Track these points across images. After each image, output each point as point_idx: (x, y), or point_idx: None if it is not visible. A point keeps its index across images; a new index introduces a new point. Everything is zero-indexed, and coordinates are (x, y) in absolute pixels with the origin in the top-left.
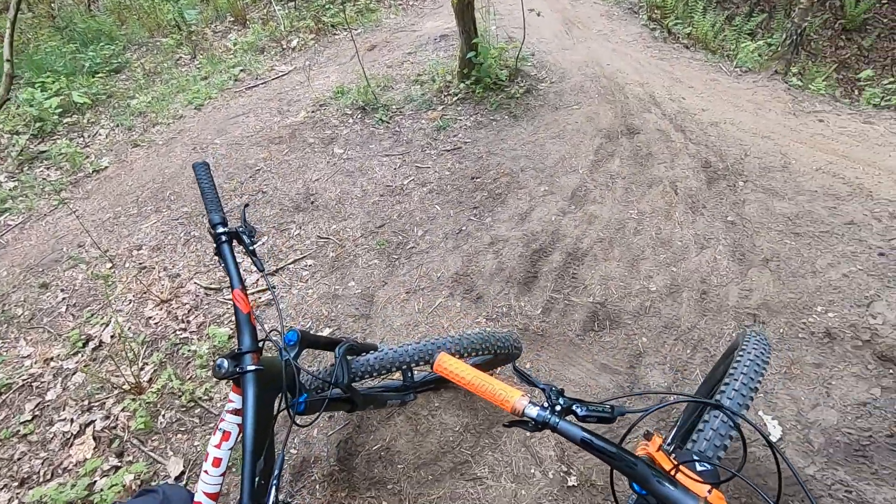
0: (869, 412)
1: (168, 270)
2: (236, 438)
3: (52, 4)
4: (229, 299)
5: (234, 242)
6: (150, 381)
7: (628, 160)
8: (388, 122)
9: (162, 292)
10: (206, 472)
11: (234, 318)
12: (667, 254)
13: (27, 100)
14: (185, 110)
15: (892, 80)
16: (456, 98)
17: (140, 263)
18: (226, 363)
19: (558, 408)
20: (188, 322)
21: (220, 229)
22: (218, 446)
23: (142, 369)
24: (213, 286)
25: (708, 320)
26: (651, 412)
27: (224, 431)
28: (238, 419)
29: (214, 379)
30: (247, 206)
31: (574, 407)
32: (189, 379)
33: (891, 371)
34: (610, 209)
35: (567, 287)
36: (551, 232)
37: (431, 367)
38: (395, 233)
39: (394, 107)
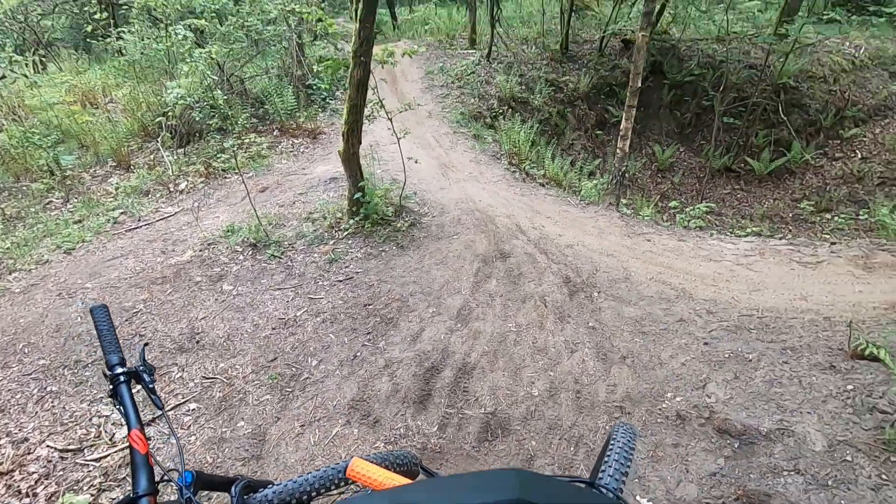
0: (718, 480)
1: (12, 436)
2: None
3: None
4: (91, 460)
5: (132, 382)
6: None
7: (503, 280)
8: (279, 258)
9: (1, 463)
10: None
11: (93, 481)
12: (544, 360)
13: None
14: (51, 255)
15: (691, 207)
16: (347, 233)
17: None
18: None
19: None
20: (34, 495)
21: (119, 369)
22: None
23: None
24: (71, 447)
25: (584, 417)
26: None
27: None
28: None
29: None
30: (146, 344)
31: None
32: None
33: (728, 442)
34: (492, 324)
35: (460, 401)
36: (441, 350)
37: (344, 473)
38: (288, 365)
39: (286, 243)
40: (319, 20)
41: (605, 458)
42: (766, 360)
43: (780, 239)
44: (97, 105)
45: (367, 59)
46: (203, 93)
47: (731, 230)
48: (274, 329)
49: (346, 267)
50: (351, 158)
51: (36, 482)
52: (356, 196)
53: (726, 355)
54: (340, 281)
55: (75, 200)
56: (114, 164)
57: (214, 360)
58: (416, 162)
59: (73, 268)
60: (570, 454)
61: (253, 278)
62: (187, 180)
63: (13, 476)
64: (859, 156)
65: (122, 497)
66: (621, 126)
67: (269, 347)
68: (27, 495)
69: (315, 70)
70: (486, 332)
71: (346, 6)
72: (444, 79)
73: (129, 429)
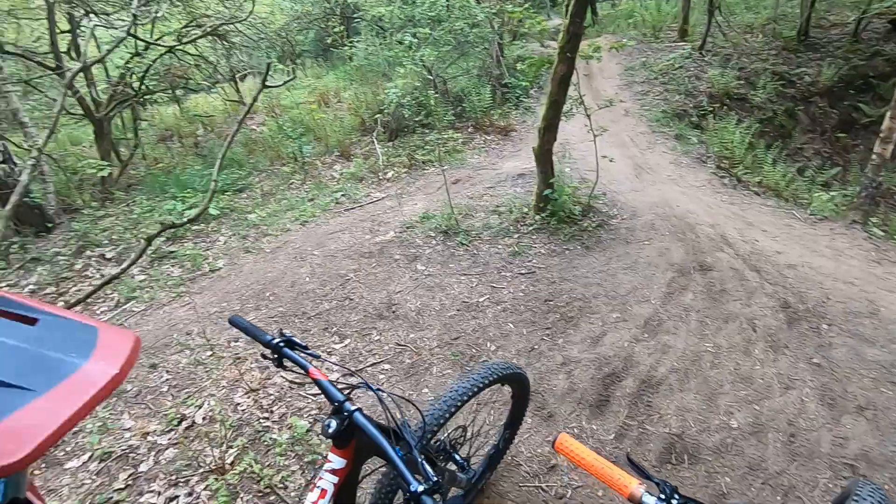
0: None
1: (259, 363)
2: (331, 497)
3: (199, 137)
4: (310, 394)
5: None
6: (232, 463)
7: (702, 295)
8: (467, 246)
9: (252, 382)
10: None
11: (311, 411)
12: (748, 391)
13: (168, 209)
14: (292, 225)
15: None
16: (531, 228)
17: (236, 354)
18: (334, 422)
19: (674, 502)
20: (272, 412)
21: (276, 340)
22: (315, 503)
23: (226, 451)
24: (297, 381)
25: (798, 466)
26: None
27: (321, 489)
28: (335, 479)
29: (295, 457)
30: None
31: None
32: (268, 465)
33: None
34: (685, 340)
35: (641, 415)
36: (624, 357)
37: (552, 446)
38: (468, 346)
39: (473, 232)
40: (521, 19)
41: None
42: None
43: None
44: (329, 104)
45: (573, 54)
46: (412, 92)
47: None
48: (458, 311)
49: (529, 261)
50: (544, 154)
51: (273, 402)
52: (545, 192)
53: None
54: (522, 274)
55: (310, 183)
56: (338, 154)
57: (406, 330)
58: (610, 160)
59: (305, 237)
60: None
61: (442, 262)
62: (393, 170)
63: (258, 394)
64: None
65: (331, 409)
66: (883, 126)
67: (452, 327)
68: (267, 410)
69: (514, 68)
70: (676, 348)
71: (543, 6)
72: (646, 74)
73: (307, 369)
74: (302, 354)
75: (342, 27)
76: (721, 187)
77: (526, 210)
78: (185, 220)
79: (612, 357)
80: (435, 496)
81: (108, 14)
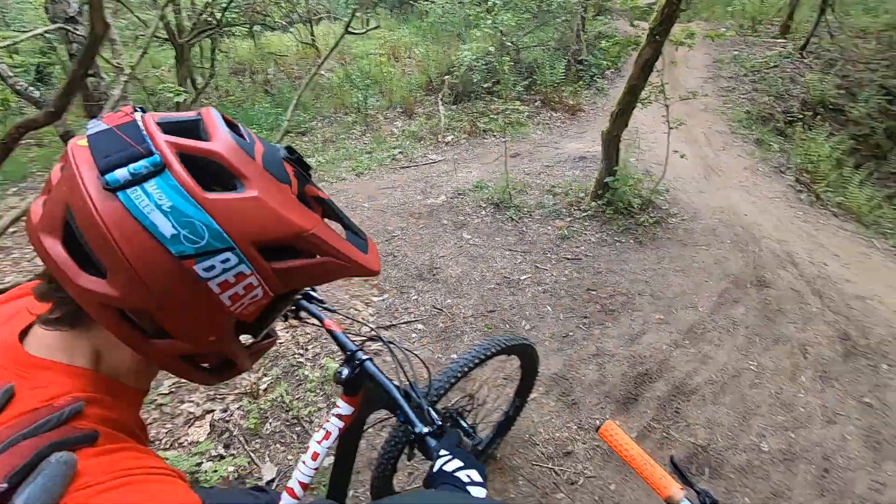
0: None
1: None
2: (334, 439)
3: (269, 77)
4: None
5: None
6: (265, 390)
7: (754, 311)
8: (516, 221)
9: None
10: (303, 462)
11: (342, 356)
12: (785, 417)
13: None
14: (347, 175)
15: None
16: (585, 214)
17: None
18: (346, 370)
19: None
20: (306, 350)
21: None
22: (319, 442)
23: (261, 378)
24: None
25: (827, 502)
26: None
27: (326, 431)
28: (340, 424)
29: (323, 395)
30: None
31: None
32: (297, 398)
33: None
34: (727, 354)
35: (668, 419)
36: (660, 360)
37: (596, 431)
38: (503, 321)
39: (525, 209)
40: None
41: None
42: None
43: None
44: (399, 59)
45: (662, 38)
46: (485, 57)
47: None
48: (497, 284)
49: (577, 247)
50: (612, 140)
51: (309, 341)
52: (606, 179)
53: None
54: (568, 259)
55: (370, 135)
56: (401, 110)
57: (444, 294)
58: (682, 157)
59: (358, 188)
60: None
61: (489, 234)
62: (453, 134)
63: (297, 331)
64: None
65: (343, 357)
66: None
67: (490, 299)
68: (302, 348)
69: (594, 45)
70: (717, 361)
71: None
72: (735, 70)
73: (322, 320)
74: (318, 307)
75: None
76: (796, 202)
77: (582, 195)
78: None
79: (648, 357)
80: (439, 439)
81: None
